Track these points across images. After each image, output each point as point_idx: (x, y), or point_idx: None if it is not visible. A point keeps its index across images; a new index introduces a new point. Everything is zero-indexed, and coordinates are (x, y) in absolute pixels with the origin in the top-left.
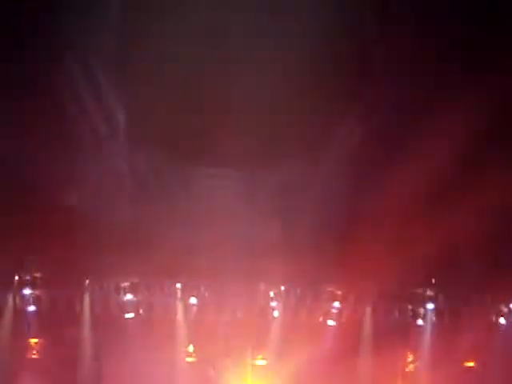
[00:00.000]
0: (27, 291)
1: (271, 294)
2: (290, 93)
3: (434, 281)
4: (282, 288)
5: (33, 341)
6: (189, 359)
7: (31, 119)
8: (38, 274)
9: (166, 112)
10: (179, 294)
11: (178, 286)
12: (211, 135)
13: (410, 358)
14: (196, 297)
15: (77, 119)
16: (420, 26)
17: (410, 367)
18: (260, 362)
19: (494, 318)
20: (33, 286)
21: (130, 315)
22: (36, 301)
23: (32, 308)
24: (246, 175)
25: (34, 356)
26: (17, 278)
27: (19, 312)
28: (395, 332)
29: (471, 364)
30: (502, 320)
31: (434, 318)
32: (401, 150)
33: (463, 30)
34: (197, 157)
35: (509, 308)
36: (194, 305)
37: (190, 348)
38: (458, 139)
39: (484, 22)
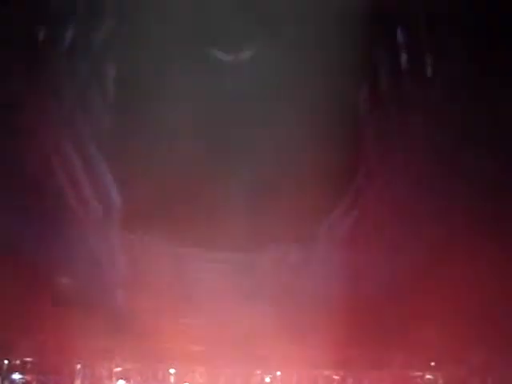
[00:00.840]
0: (17, 376)
1: (267, 379)
2: (285, 174)
3: (433, 364)
4: (278, 373)
5: None
6: None
7: (22, 197)
8: (28, 359)
9: (162, 194)
10: (173, 379)
11: (172, 371)
12: (207, 218)
13: None
14: (190, 383)
15: (70, 198)
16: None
17: None
18: None
19: None
20: (22, 370)
21: None
22: None
23: None
24: (243, 258)
25: None
26: (6, 362)
27: None
28: None
29: None
30: None
31: None
32: (398, 230)
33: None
34: (192, 239)
35: None
36: None
37: None
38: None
39: None
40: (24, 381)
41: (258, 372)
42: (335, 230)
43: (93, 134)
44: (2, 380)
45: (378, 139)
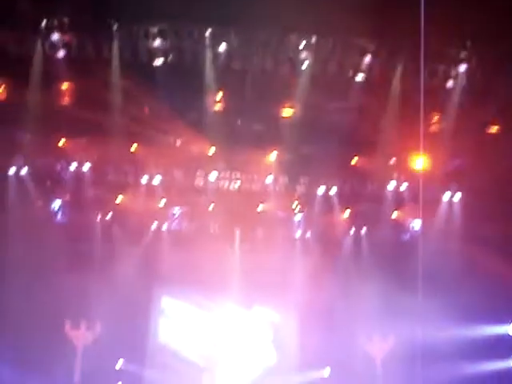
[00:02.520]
0: (56, 36)
1: (301, 45)
2: None
3: (469, 43)
4: (313, 39)
5: (63, 86)
6: (216, 107)
7: None
8: (65, 19)
9: None
10: (208, 40)
11: (208, 32)
12: None
13: (436, 119)
14: (225, 44)
15: None
16: None
17: (435, 128)
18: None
19: None
20: (61, 30)
21: (159, 61)
22: (65, 46)
23: (61, 53)
24: None
25: (64, 102)
26: (45, 22)
27: (48, 58)
28: (424, 92)
29: (495, 129)
30: None
31: (464, 81)
32: None
33: None
34: None
35: None
36: (222, 52)
37: (219, 96)
38: None
39: None
40: (63, 41)
41: (293, 37)
42: None
43: None
44: (42, 42)
45: None
